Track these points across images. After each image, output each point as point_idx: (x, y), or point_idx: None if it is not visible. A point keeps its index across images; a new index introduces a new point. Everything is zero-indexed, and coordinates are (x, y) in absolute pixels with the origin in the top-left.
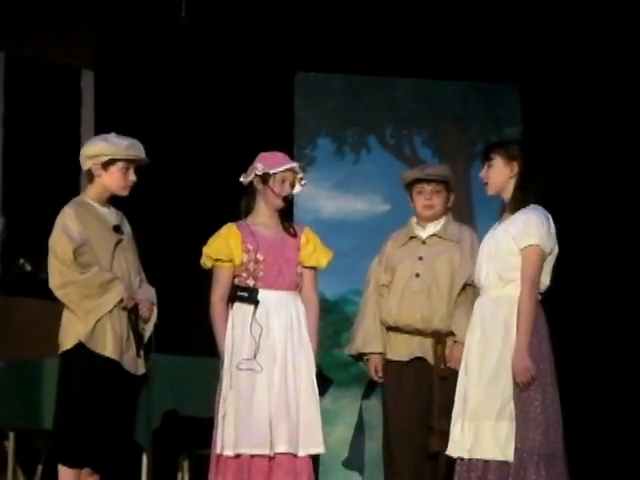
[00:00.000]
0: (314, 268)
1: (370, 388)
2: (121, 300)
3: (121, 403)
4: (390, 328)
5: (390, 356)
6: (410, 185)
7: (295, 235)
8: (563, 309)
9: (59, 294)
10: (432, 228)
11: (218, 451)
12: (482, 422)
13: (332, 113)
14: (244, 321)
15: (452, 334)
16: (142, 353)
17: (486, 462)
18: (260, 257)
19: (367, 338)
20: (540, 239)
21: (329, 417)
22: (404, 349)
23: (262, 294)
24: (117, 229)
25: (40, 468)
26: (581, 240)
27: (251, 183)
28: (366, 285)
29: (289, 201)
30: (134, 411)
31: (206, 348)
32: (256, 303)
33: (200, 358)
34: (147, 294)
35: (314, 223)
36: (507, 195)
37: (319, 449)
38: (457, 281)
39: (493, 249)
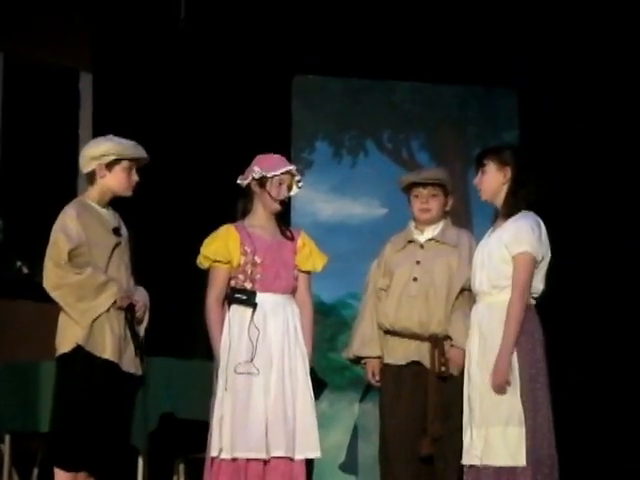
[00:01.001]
0: (309, 272)
1: (367, 392)
2: (115, 302)
3: (119, 405)
4: (387, 332)
5: (387, 360)
6: (408, 189)
7: (292, 238)
8: (563, 309)
9: (54, 295)
10: (430, 232)
11: (214, 454)
12: (491, 428)
13: (330, 116)
14: (241, 324)
15: (449, 338)
16: (140, 353)
17: (498, 468)
18: (258, 259)
19: (365, 342)
20: (531, 246)
21: (325, 421)
22: (401, 353)
23: (259, 297)
24: (116, 231)
25: (36, 471)
26: (580, 242)
27: (248, 185)
28: (365, 288)
29: (286, 204)
30: (131, 413)
31: (203, 351)
32: (254, 306)
33: (197, 361)
34: (143, 297)
35: (311, 226)
36: (500, 201)
37: (315, 453)
38: (455, 285)
39: (486, 257)
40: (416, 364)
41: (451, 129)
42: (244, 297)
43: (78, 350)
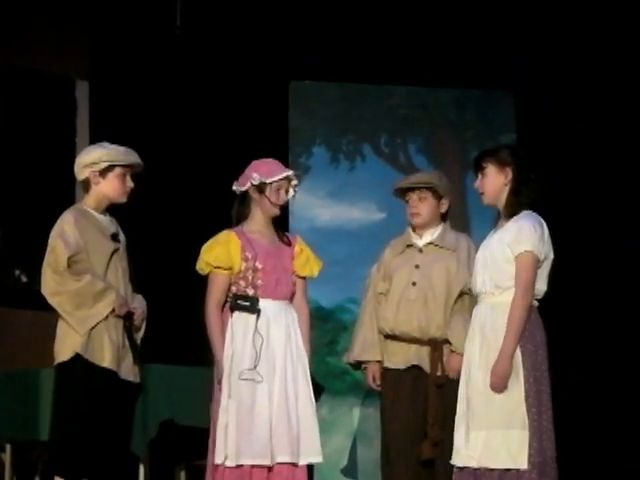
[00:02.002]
0: (306, 277)
1: (368, 396)
2: (113, 309)
3: (118, 413)
4: (387, 336)
5: (387, 364)
6: (401, 195)
7: (290, 244)
8: (563, 309)
9: (52, 301)
10: (429, 236)
11: (219, 461)
12: (492, 431)
13: (327, 121)
14: (245, 331)
15: (448, 342)
16: (138, 361)
17: (492, 470)
18: (259, 265)
19: (365, 346)
20: (533, 246)
21: (325, 426)
22: (401, 357)
23: (261, 303)
24: (114, 237)
25: None
26: (581, 242)
27: (245, 191)
28: (364, 293)
29: (284, 209)
30: (131, 420)
31: (202, 357)
32: (258, 312)
33: (196, 368)
34: (141, 304)
35: (309, 232)
36: (502, 203)
37: (318, 458)
38: (453, 289)
39: (489, 257)
40: (416, 368)
41: (448, 133)
42: (247, 304)
43: (77, 358)
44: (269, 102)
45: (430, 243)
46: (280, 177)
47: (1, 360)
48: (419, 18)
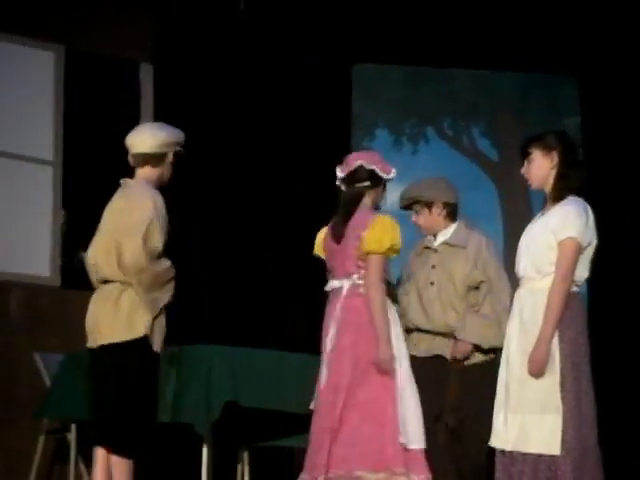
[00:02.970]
0: None
1: None
2: (172, 297)
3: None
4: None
5: (410, 352)
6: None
7: None
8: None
9: (134, 277)
10: (442, 236)
11: (418, 446)
12: (528, 415)
13: (390, 104)
14: (395, 319)
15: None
16: None
17: (526, 455)
18: None
19: None
20: (577, 232)
21: None
22: (424, 346)
23: None
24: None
25: None
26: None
27: (359, 179)
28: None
29: None
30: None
31: (267, 340)
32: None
33: (260, 349)
34: None
35: None
36: (549, 188)
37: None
38: (467, 285)
39: (531, 242)
40: (439, 357)
41: (512, 117)
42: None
43: (144, 339)
44: (332, 85)
45: (443, 243)
46: (393, 176)
47: (66, 342)
48: (484, 1)
